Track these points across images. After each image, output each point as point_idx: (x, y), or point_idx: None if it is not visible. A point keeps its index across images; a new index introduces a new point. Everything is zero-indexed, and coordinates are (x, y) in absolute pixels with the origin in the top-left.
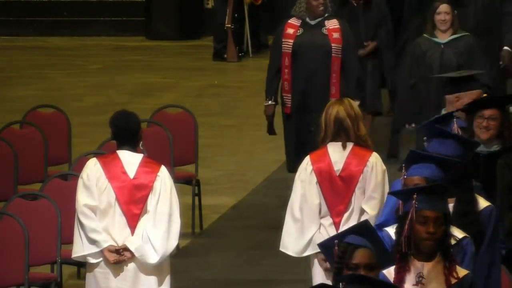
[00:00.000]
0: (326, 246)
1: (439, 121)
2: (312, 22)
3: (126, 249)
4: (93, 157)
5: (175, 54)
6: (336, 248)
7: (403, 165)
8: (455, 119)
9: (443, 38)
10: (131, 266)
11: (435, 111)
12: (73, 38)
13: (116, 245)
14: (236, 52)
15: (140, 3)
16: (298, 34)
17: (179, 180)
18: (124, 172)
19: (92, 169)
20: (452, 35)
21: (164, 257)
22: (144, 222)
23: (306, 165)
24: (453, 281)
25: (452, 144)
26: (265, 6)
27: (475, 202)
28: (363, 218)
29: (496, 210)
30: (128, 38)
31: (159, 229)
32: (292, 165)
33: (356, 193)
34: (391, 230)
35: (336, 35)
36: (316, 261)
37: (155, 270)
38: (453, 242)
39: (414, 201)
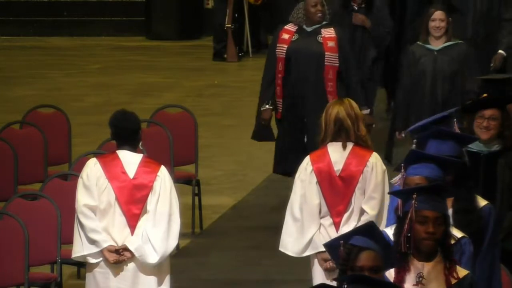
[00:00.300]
0: (331, 247)
1: (437, 122)
2: (309, 29)
3: (126, 249)
4: (93, 157)
5: (175, 54)
6: (342, 249)
7: (402, 164)
8: (454, 120)
9: (436, 45)
10: (131, 266)
11: (427, 117)
12: (73, 38)
13: (116, 245)
14: (236, 52)
15: (140, 3)
16: (293, 40)
17: (179, 180)
18: (124, 172)
19: (92, 169)
20: (446, 42)
21: (164, 257)
22: (144, 222)
23: (306, 165)
24: (453, 281)
25: (452, 143)
26: (265, 6)
27: (475, 200)
28: (363, 218)
29: (494, 209)
30: (128, 38)
31: (159, 229)
32: (279, 167)
33: (356, 193)
34: (389, 231)
35: (331, 43)
36: (316, 261)
37: (155, 270)
38: (452, 241)
39: (413, 201)
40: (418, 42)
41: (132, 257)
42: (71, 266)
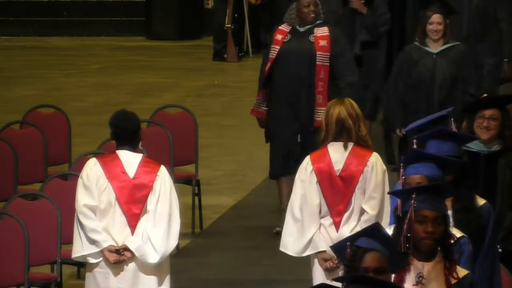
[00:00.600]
0: (338, 249)
1: (435, 122)
2: (302, 29)
3: (126, 249)
4: (93, 157)
5: (175, 54)
6: (348, 250)
7: (401, 164)
8: (452, 119)
9: (434, 47)
10: (131, 266)
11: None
12: (73, 38)
13: (116, 245)
14: (236, 52)
15: (140, 3)
16: (285, 40)
17: (179, 180)
18: (124, 172)
19: (92, 169)
20: (443, 44)
21: (164, 257)
22: (144, 222)
23: (306, 165)
24: (453, 281)
25: (452, 143)
26: (265, 6)
27: (475, 199)
28: (363, 218)
29: (493, 208)
30: (128, 38)
31: (159, 229)
32: (274, 172)
33: (356, 193)
34: (389, 231)
35: (323, 42)
36: (316, 261)
37: (155, 270)
38: (451, 241)
39: (413, 201)
40: (416, 43)
41: (133, 257)
42: (71, 266)
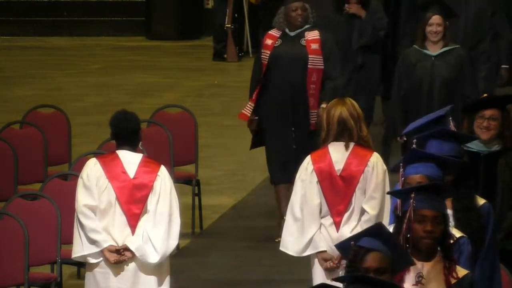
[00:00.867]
0: (343, 248)
1: (434, 122)
2: (292, 33)
3: (126, 249)
4: (93, 157)
5: (175, 54)
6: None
7: (401, 164)
8: (450, 119)
9: (433, 50)
10: (131, 266)
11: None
12: (73, 38)
13: (116, 245)
14: (236, 52)
15: (140, 3)
16: (276, 45)
17: (179, 180)
18: (124, 172)
19: (92, 169)
20: (443, 47)
21: (164, 257)
22: (144, 222)
23: (307, 165)
24: (453, 281)
25: (453, 143)
26: (265, 6)
27: (475, 199)
28: (363, 218)
29: (492, 207)
30: (128, 38)
31: (160, 229)
32: (275, 177)
33: (356, 193)
34: None
35: (314, 46)
36: (316, 260)
37: (155, 270)
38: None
39: (412, 200)
40: (415, 46)
41: (133, 257)
42: (71, 266)
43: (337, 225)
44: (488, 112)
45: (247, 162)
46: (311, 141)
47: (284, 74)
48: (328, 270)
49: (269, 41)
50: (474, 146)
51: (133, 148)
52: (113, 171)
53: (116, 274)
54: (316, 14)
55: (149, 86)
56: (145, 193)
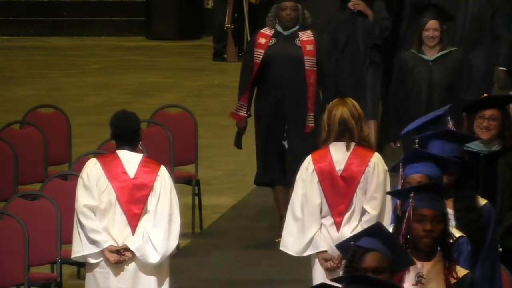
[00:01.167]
0: (343, 248)
1: (433, 122)
2: (286, 33)
3: (126, 249)
4: (93, 157)
5: (175, 54)
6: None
7: (400, 164)
8: (449, 118)
9: (430, 54)
10: (131, 266)
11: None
12: (73, 38)
13: (116, 245)
14: (236, 52)
15: (140, 3)
16: (270, 44)
17: (179, 180)
18: (124, 172)
19: (92, 169)
20: (440, 51)
21: (164, 257)
22: (144, 222)
23: (308, 165)
24: (453, 280)
25: (455, 144)
26: (265, 6)
27: (476, 199)
28: (364, 219)
29: (494, 208)
30: (128, 38)
31: (160, 229)
32: (259, 177)
33: (357, 193)
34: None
35: (310, 47)
36: (316, 260)
37: (155, 270)
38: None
39: (411, 200)
40: (412, 50)
41: (133, 257)
42: (71, 266)
43: (338, 225)
44: (488, 112)
45: (247, 162)
46: (304, 143)
47: (278, 73)
48: (328, 270)
49: (262, 40)
50: (474, 146)
51: (133, 148)
52: (113, 171)
53: (116, 274)
54: (310, 14)
55: (149, 86)
56: (145, 193)
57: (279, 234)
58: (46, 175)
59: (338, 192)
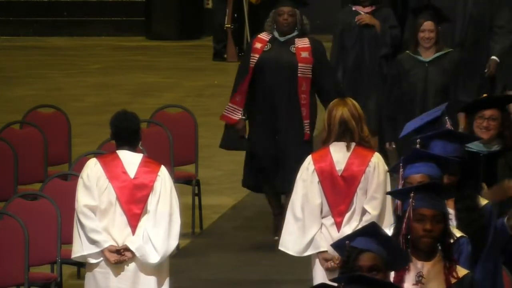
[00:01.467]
0: (338, 247)
1: (432, 123)
2: (282, 39)
3: (127, 249)
4: (93, 157)
5: (175, 54)
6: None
7: (401, 164)
8: (447, 118)
9: (426, 55)
10: (131, 266)
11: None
12: (73, 38)
13: (116, 245)
14: (236, 52)
15: (140, 3)
16: (265, 49)
17: (179, 180)
18: (125, 172)
19: (93, 169)
20: (436, 52)
21: (164, 257)
22: (144, 222)
23: (308, 165)
24: (453, 280)
25: (457, 144)
26: (265, 6)
27: (478, 199)
28: (365, 219)
29: (495, 208)
30: (128, 38)
31: (160, 229)
32: (248, 181)
33: (357, 193)
34: (388, 232)
35: (305, 54)
36: (317, 261)
37: (155, 270)
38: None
39: (411, 200)
40: (408, 52)
41: (133, 257)
42: (71, 266)
43: (338, 225)
44: (487, 112)
45: None
46: (296, 150)
47: (271, 79)
48: (329, 270)
49: (258, 45)
50: (474, 146)
51: (133, 148)
52: (113, 171)
53: (116, 274)
54: (308, 21)
55: (149, 86)
56: (145, 193)
57: (276, 233)
58: (46, 175)
59: (339, 192)
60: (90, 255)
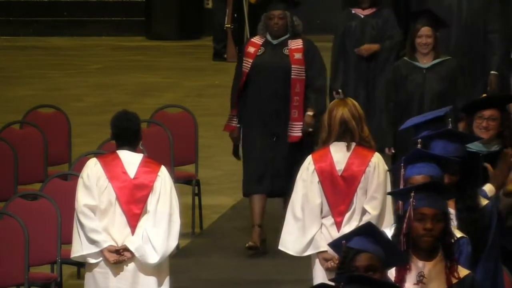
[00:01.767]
0: (335, 246)
1: (432, 122)
2: (275, 42)
3: (126, 249)
4: (93, 157)
5: (175, 54)
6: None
7: (402, 164)
8: (449, 120)
9: (424, 61)
10: (131, 266)
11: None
12: (73, 38)
13: (116, 245)
14: (236, 52)
15: (140, 3)
16: (259, 53)
17: (179, 180)
18: (125, 172)
19: (93, 169)
20: (434, 59)
21: (164, 257)
22: (144, 222)
23: (308, 165)
24: (454, 280)
25: (458, 144)
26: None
27: (478, 199)
28: (364, 218)
29: (495, 208)
30: (128, 38)
31: (159, 229)
32: (245, 187)
33: (358, 193)
34: (388, 232)
35: (298, 55)
36: (317, 260)
37: (155, 270)
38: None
39: (412, 199)
40: (405, 58)
41: (132, 257)
42: (71, 266)
43: (338, 225)
44: (487, 113)
45: None
46: (293, 152)
47: (265, 83)
48: (328, 270)
49: (251, 49)
50: (473, 146)
51: (133, 148)
52: (113, 171)
53: (116, 274)
54: (300, 22)
55: (149, 86)
56: (145, 193)
57: (251, 240)
58: (46, 175)
59: (339, 192)
60: (90, 255)
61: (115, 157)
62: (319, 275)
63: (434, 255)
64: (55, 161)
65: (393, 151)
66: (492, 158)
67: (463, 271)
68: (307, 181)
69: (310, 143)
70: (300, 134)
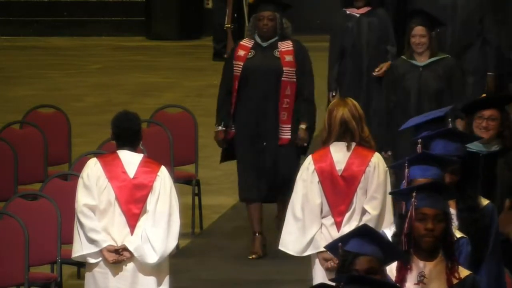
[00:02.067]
0: (332, 248)
1: (432, 122)
2: (264, 44)
3: (125, 249)
4: (93, 157)
5: (175, 54)
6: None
7: (406, 163)
8: (449, 120)
9: (421, 60)
10: (130, 266)
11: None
12: (73, 38)
13: (115, 244)
14: None
15: (140, 3)
16: (249, 56)
17: (179, 180)
18: (124, 172)
19: (93, 168)
20: (430, 57)
21: (163, 257)
22: (143, 222)
23: (308, 165)
24: (455, 281)
25: (459, 144)
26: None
27: (479, 199)
28: (364, 218)
29: (495, 208)
30: (128, 38)
31: (159, 229)
32: (242, 192)
33: (358, 193)
34: (388, 232)
35: (288, 57)
36: (317, 260)
37: (154, 270)
38: None
39: (413, 199)
40: (402, 57)
41: (131, 257)
42: (71, 266)
43: (338, 225)
44: (487, 113)
45: None
46: (286, 155)
47: (257, 86)
48: (329, 270)
49: (241, 52)
50: (473, 146)
51: (134, 148)
52: (113, 171)
53: (115, 274)
54: (289, 24)
55: (149, 86)
56: (144, 193)
57: (253, 251)
58: (46, 175)
59: (339, 192)
60: (89, 255)
61: (115, 157)
62: (319, 275)
63: (435, 255)
64: (55, 161)
65: (389, 153)
66: (492, 158)
67: (464, 272)
68: (307, 181)
69: (304, 148)
70: (289, 136)
